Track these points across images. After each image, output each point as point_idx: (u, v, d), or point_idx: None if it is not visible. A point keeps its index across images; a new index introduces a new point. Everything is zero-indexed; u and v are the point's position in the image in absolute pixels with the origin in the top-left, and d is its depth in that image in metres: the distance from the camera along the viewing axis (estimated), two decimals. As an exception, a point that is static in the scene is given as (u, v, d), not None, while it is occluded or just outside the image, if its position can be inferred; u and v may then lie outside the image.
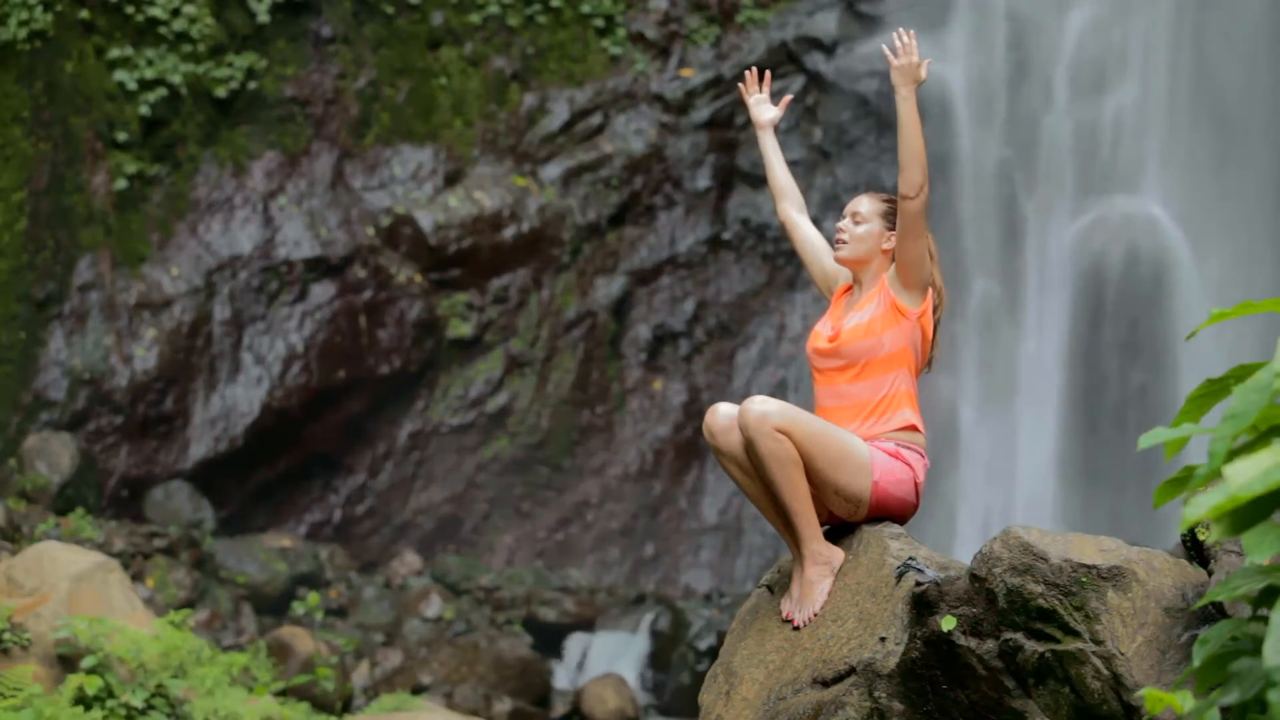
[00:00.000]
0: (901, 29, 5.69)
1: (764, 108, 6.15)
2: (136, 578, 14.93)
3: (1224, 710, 3.21)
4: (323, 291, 17.61)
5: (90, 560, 10.00)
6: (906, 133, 5.53)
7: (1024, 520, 15.37)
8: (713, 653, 15.21)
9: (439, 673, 15.18)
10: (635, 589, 17.56)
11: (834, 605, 5.38)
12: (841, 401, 5.59)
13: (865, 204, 5.72)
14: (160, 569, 15.24)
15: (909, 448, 5.53)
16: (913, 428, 5.55)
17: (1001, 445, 17.70)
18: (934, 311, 5.64)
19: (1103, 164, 18.02)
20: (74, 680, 8.87)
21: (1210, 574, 4.63)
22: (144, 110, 17.00)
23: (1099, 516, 16.47)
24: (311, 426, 17.52)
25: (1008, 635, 4.66)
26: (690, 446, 18.47)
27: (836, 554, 5.46)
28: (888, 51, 5.63)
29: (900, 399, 5.54)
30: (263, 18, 17.47)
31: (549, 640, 16.30)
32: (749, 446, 5.36)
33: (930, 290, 5.60)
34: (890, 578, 5.21)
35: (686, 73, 18.85)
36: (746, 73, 6.22)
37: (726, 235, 18.89)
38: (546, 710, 15.26)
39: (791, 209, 5.99)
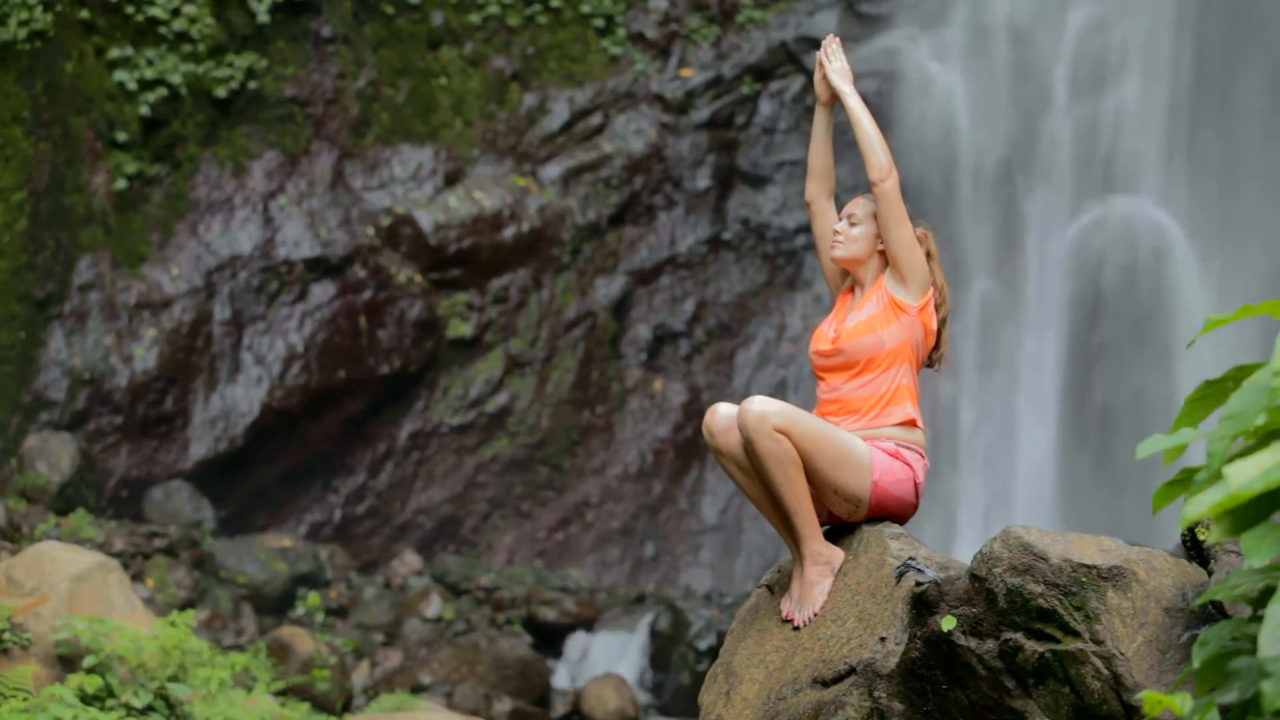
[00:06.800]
0: (830, 36, 5.94)
1: (833, 80, 5.83)
2: (136, 578, 14.92)
3: (1223, 709, 3.22)
4: (323, 291, 17.61)
5: (90, 560, 10.00)
6: (861, 123, 5.67)
7: (1024, 520, 15.37)
8: (713, 653, 15.21)
9: (439, 673, 15.18)
10: (635, 589, 17.56)
11: (834, 605, 5.39)
12: (843, 399, 5.60)
13: (861, 206, 5.73)
14: (160, 569, 15.24)
15: (909, 447, 5.54)
16: (912, 423, 5.56)
17: (1001, 445, 17.70)
18: (936, 310, 5.65)
19: (1103, 164, 18.02)
20: (74, 680, 8.87)
21: (1210, 574, 4.63)
22: (144, 110, 17.01)
23: (1099, 516, 16.47)
24: (311, 426, 17.52)
25: (1008, 635, 4.67)
26: (690, 446, 18.47)
27: (836, 554, 5.46)
28: (822, 58, 5.84)
29: (901, 393, 5.55)
30: (263, 18, 17.48)
31: (549, 640, 16.31)
32: (748, 446, 5.37)
33: (931, 288, 5.62)
34: (890, 578, 5.21)
35: (686, 73, 18.86)
36: (826, 40, 5.91)
37: (726, 235, 18.89)
38: (546, 710, 15.26)
39: (821, 193, 5.89)
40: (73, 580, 9.71)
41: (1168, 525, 13.92)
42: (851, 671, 5.13)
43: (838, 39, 5.91)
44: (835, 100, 5.87)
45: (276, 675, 12.78)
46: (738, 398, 17.18)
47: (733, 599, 16.73)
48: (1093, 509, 16.88)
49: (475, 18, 18.43)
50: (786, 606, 5.53)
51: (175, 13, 17.15)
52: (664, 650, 15.92)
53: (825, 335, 5.70)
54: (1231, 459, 2.76)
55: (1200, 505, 2.66)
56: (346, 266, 17.68)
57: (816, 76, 5.88)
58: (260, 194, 17.60)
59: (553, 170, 18.53)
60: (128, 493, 16.66)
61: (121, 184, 16.88)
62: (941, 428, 17.16)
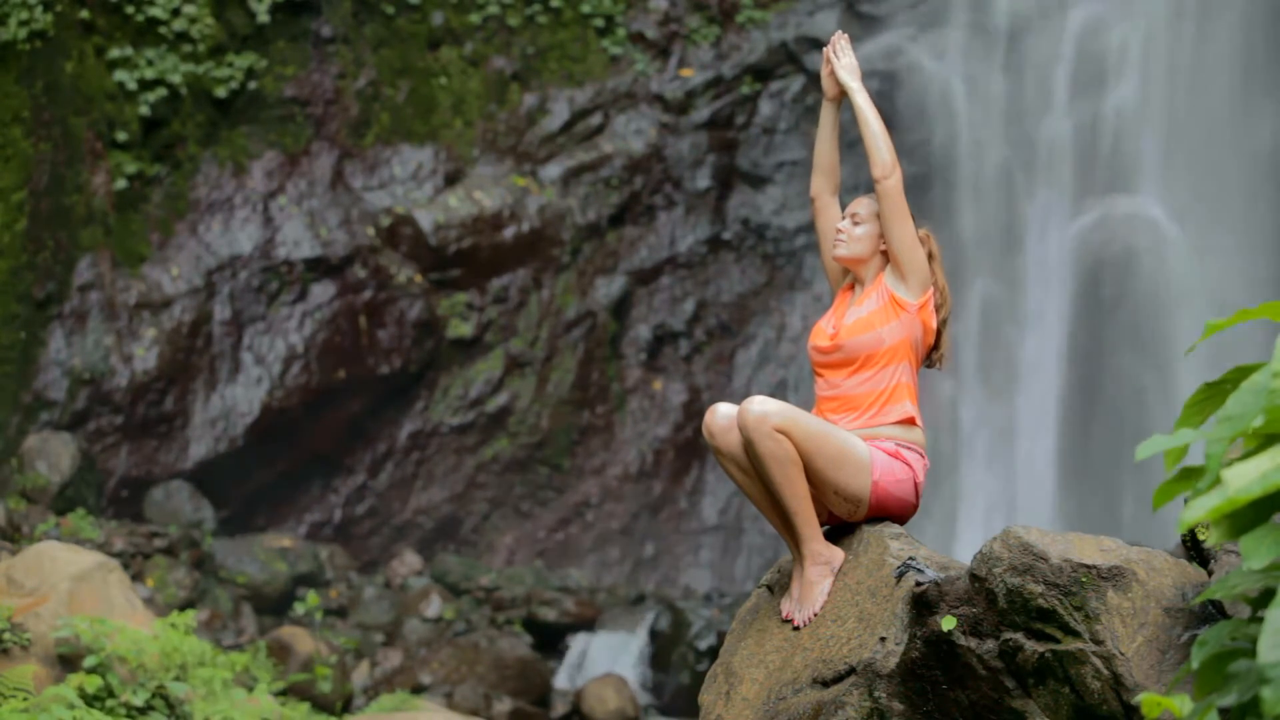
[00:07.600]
0: (839, 32, 5.93)
1: (841, 76, 5.81)
2: (136, 578, 14.93)
3: (1222, 712, 3.21)
4: (323, 291, 17.61)
5: (90, 560, 10.00)
6: (867, 119, 5.67)
7: (1024, 519, 15.37)
8: (713, 653, 15.21)
9: (439, 673, 15.18)
10: (635, 589, 17.57)
11: (834, 605, 5.39)
12: (842, 396, 5.60)
13: (864, 205, 5.74)
14: (160, 569, 15.24)
15: (909, 447, 5.54)
16: (911, 421, 5.56)
17: (1001, 445, 17.71)
18: (937, 310, 5.65)
19: (1103, 164, 18.02)
20: (74, 680, 8.87)
21: (1211, 574, 4.64)
22: (144, 110, 17.01)
23: (1099, 515, 16.48)
24: (311, 426, 17.52)
25: (1008, 635, 4.67)
26: (690, 446, 18.47)
27: (836, 554, 5.46)
28: (829, 54, 5.83)
29: (900, 391, 5.55)
30: (263, 18, 17.48)
31: (549, 640, 16.31)
32: (748, 446, 5.37)
33: (931, 287, 5.62)
34: (890, 578, 5.21)
35: (686, 73, 18.85)
36: (835, 36, 5.90)
37: (726, 235, 18.89)
38: (546, 710, 15.26)
39: (826, 189, 5.91)
40: (73, 580, 9.71)
41: (1168, 525, 13.92)
42: (851, 671, 5.13)
43: (846, 35, 5.91)
44: (842, 96, 5.88)
45: (276, 675, 12.79)
46: (738, 398, 17.18)
47: (733, 599, 16.73)
48: (1093, 509, 16.88)
49: (475, 18, 18.43)
50: (786, 606, 5.53)
51: (175, 13, 17.15)
52: (664, 650, 15.92)
53: (824, 331, 5.70)
54: (1231, 462, 2.76)
55: (1199, 509, 2.66)
56: (346, 266, 17.68)
57: (824, 72, 5.89)
58: (260, 194, 17.60)
59: (553, 170, 18.53)
60: (128, 493, 16.66)
61: (121, 184, 16.88)
62: (941, 428, 17.16)
